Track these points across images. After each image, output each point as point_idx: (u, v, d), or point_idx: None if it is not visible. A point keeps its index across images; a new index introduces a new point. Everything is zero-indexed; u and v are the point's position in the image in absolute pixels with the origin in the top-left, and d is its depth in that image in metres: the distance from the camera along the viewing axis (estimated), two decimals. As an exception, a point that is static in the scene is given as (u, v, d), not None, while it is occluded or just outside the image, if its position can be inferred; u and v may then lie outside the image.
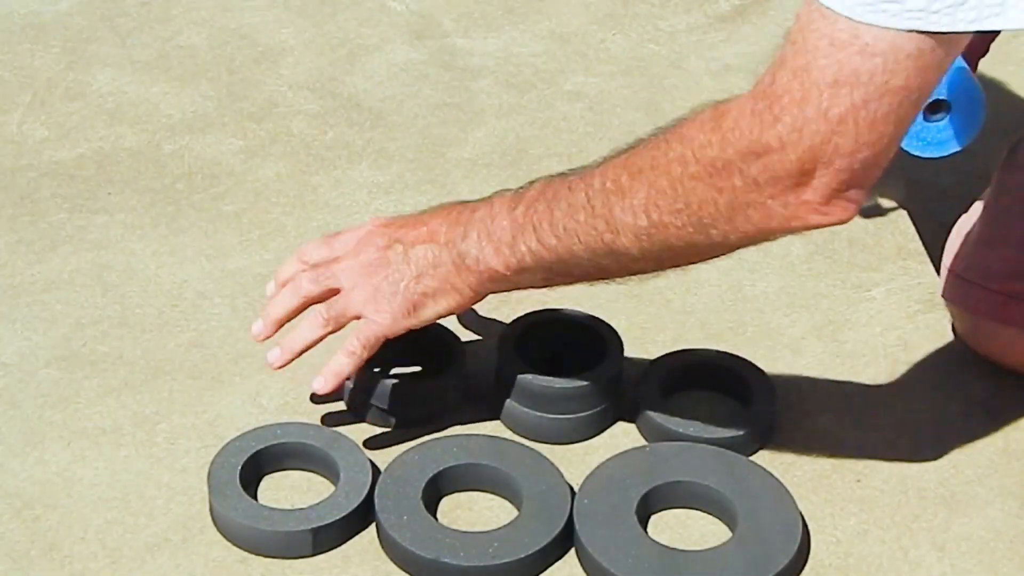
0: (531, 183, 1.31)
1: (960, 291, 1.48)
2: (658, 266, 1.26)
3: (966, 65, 1.44)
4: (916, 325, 1.57)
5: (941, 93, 1.41)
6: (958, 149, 1.45)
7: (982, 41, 1.53)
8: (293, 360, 1.36)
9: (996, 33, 1.52)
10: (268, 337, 1.37)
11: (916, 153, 1.45)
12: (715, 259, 1.24)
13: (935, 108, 1.42)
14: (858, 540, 1.35)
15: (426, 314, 1.34)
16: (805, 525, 1.34)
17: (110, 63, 1.92)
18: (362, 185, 1.74)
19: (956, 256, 1.50)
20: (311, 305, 1.37)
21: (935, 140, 1.43)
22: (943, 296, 1.52)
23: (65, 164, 1.75)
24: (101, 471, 1.39)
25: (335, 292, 1.35)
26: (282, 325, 1.37)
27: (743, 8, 2.08)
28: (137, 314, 1.55)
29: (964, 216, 1.54)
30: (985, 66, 1.90)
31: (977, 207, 1.52)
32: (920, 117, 1.39)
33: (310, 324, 1.36)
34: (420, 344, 1.48)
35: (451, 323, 1.50)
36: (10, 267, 1.61)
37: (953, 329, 1.53)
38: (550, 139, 1.82)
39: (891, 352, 1.54)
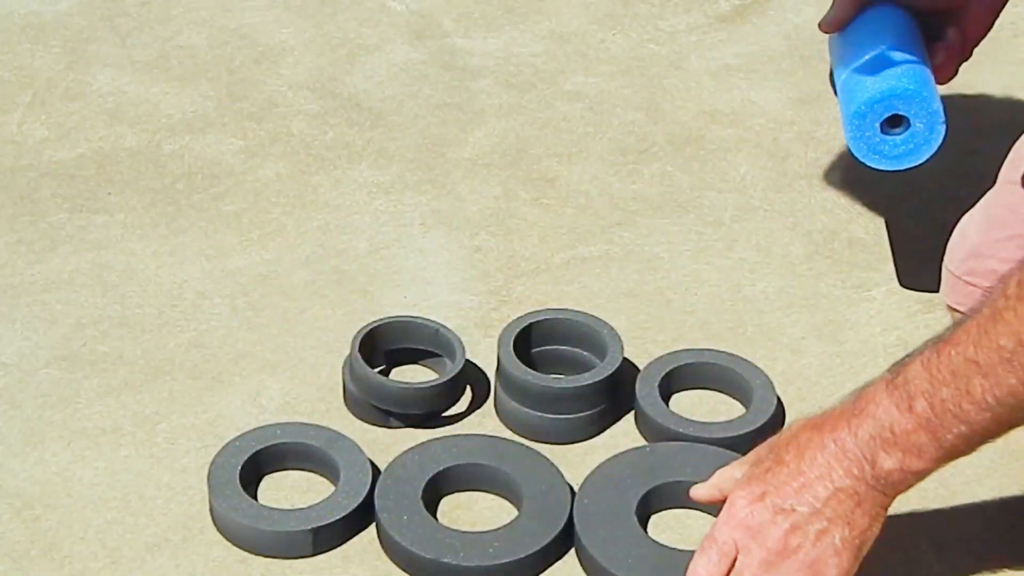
0: (896, 371, 1.19)
1: (962, 295, 1.48)
2: None
3: (930, 79, 1.42)
4: (916, 325, 1.57)
5: (900, 108, 1.38)
6: (917, 163, 1.42)
7: (982, 24, 1.51)
8: None
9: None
10: None
11: (874, 166, 1.42)
12: None
13: (894, 122, 1.40)
14: (858, 540, 1.35)
15: (867, 549, 1.22)
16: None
17: (110, 63, 1.92)
18: (362, 185, 1.74)
19: (958, 259, 1.49)
20: None
21: (893, 154, 1.41)
22: (944, 298, 1.51)
23: (65, 164, 1.75)
24: (101, 471, 1.39)
25: None
26: None
27: (743, 8, 2.08)
28: (137, 314, 1.55)
29: (965, 217, 1.53)
30: (985, 66, 1.90)
31: (978, 208, 1.52)
32: (878, 129, 1.39)
33: None
34: (420, 344, 1.48)
35: (451, 323, 1.50)
36: (10, 267, 1.61)
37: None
38: (550, 139, 1.82)
39: (891, 352, 1.54)
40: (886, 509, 1.21)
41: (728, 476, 1.27)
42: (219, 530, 1.33)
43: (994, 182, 1.53)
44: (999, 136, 1.59)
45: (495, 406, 1.46)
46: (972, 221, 1.51)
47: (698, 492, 1.29)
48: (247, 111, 1.85)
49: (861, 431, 1.19)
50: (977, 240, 1.48)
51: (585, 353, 1.48)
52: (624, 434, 1.44)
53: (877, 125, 1.39)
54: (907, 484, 1.20)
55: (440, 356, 1.47)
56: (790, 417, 1.46)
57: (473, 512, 1.36)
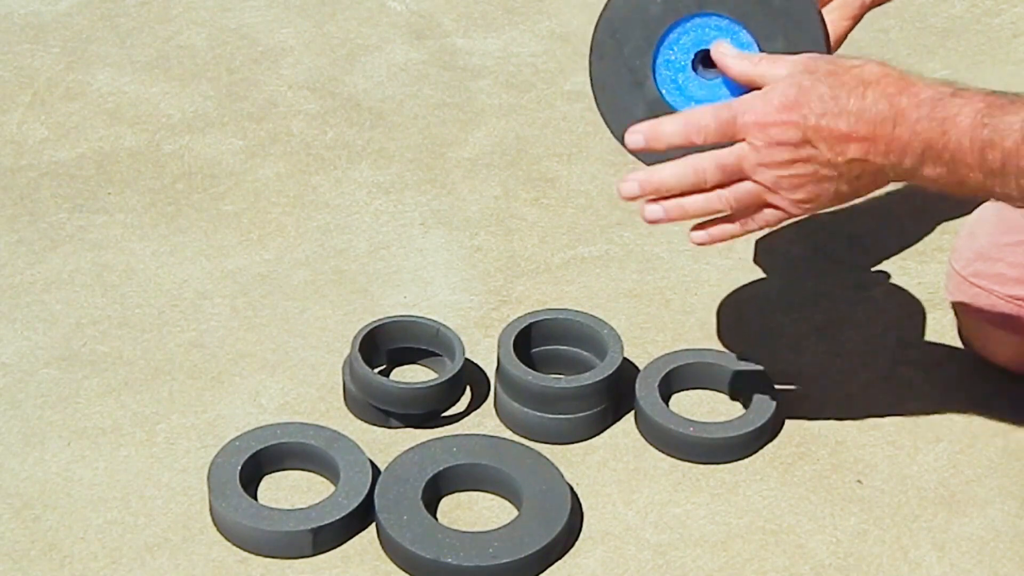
0: (990, 112, 1.17)
1: (968, 295, 1.48)
2: None
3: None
4: (916, 325, 1.57)
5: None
6: None
7: None
8: (673, 219, 1.26)
9: None
10: (636, 199, 1.26)
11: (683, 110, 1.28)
12: None
13: (710, 62, 1.27)
14: (858, 540, 1.35)
15: (842, 204, 1.26)
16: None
17: (110, 63, 1.92)
18: (362, 185, 1.74)
19: (965, 260, 1.49)
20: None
21: (705, 98, 1.28)
22: (949, 298, 1.51)
23: (65, 164, 1.75)
24: (101, 471, 1.39)
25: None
26: (662, 197, 1.26)
27: (743, 8, 2.08)
28: (137, 314, 1.55)
29: (974, 217, 1.52)
30: (985, 66, 1.90)
31: (988, 209, 1.50)
32: (688, 68, 1.28)
33: (710, 200, 1.24)
34: (420, 343, 1.48)
35: (452, 323, 1.50)
36: (10, 267, 1.61)
37: (959, 331, 1.53)
38: (550, 139, 1.82)
39: (891, 352, 1.54)
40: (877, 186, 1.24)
41: (764, 64, 1.22)
42: (219, 530, 1.33)
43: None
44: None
45: (495, 406, 1.46)
46: (981, 221, 1.50)
47: (727, 50, 1.24)
48: (247, 111, 1.85)
49: (920, 139, 1.17)
50: (986, 242, 1.47)
51: (585, 353, 1.48)
52: (624, 434, 1.44)
53: (688, 63, 1.29)
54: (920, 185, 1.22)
55: (440, 356, 1.47)
56: (790, 417, 1.46)
57: (473, 512, 1.36)
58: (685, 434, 1.41)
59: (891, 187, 1.74)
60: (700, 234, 1.28)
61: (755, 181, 1.22)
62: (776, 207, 1.24)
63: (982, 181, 1.17)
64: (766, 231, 1.28)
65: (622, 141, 1.29)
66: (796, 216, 1.24)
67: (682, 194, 1.25)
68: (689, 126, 1.22)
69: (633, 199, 1.26)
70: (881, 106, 1.18)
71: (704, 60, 1.28)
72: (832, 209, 1.71)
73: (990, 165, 1.16)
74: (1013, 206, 1.20)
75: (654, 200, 1.26)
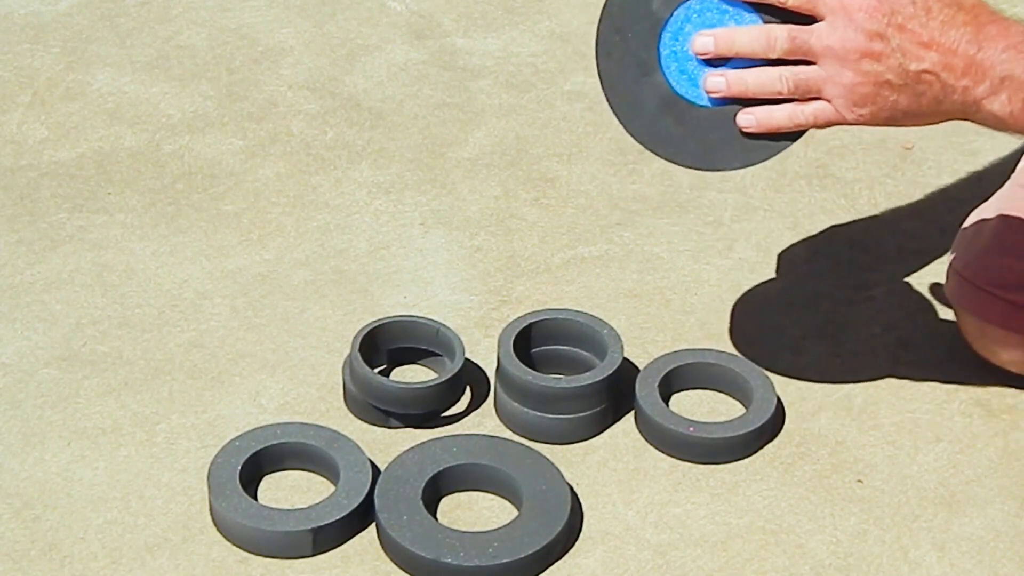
0: None
1: (968, 296, 1.47)
2: None
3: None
4: (916, 325, 1.57)
5: None
6: None
7: None
8: (733, 94, 1.26)
9: None
10: (709, 56, 1.26)
11: (701, 104, 1.29)
12: None
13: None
14: (858, 540, 1.35)
15: (891, 126, 1.25)
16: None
17: (110, 63, 1.92)
18: (362, 185, 1.74)
19: (966, 260, 1.48)
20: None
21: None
22: (950, 298, 1.51)
23: (65, 164, 1.75)
24: (101, 471, 1.39)
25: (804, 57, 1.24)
26: (730, 55, 1.26)
27: (743, 8, 2.08)
28: (137, 314, 1.55)
29: (973, 218, 1.52)
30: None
31: (988, 210, 1.51)
32: (697, 62, 1.28)
33: (771, 76, 1.25)
34: (420, 343, 1.48)
35: (452, 323, 1.50)
36: (10, 267, 1.61)
37: (959, 331, 1.53)
38: (550, 139, 1.82)
39: (891, 352, 1.54)
40: (939, 117, 1.23)
41: None
42: (219, 530, 1.33)
43: (998, 183, 1.52)
44: (999, 136, 1.59)
45: (495, 406, 1.46)
46: (982, 223, 1.50)
47: None
48: (247, 111, 1.85)
49: (1002, 68, 1.18)
50: (987, 243, 1.47)
51: (585, 353, 1.48)
52: (624, 434, 1.44)
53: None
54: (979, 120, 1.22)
55: (440, 356, 1.47)
56: (790, 417, 1.46)
57: (473, 512, 1.36)
58: (685, 434, 1.41)
59: (891, 188, 1.75)
60: (747, 117, 1.27)
61: (820, 66, 1.22)
62: (830, 102, 1.23)
63: None
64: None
65: (635, 136, 1.30)
66: (847, 121, 1.24)
67: (749, 65, 1.26)
68: None
69: (705, 55, 1.26)
70: (968, 28, 1.19)
71: None
72: (832, 209, 1.72)
73: None
74: None
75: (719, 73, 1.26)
